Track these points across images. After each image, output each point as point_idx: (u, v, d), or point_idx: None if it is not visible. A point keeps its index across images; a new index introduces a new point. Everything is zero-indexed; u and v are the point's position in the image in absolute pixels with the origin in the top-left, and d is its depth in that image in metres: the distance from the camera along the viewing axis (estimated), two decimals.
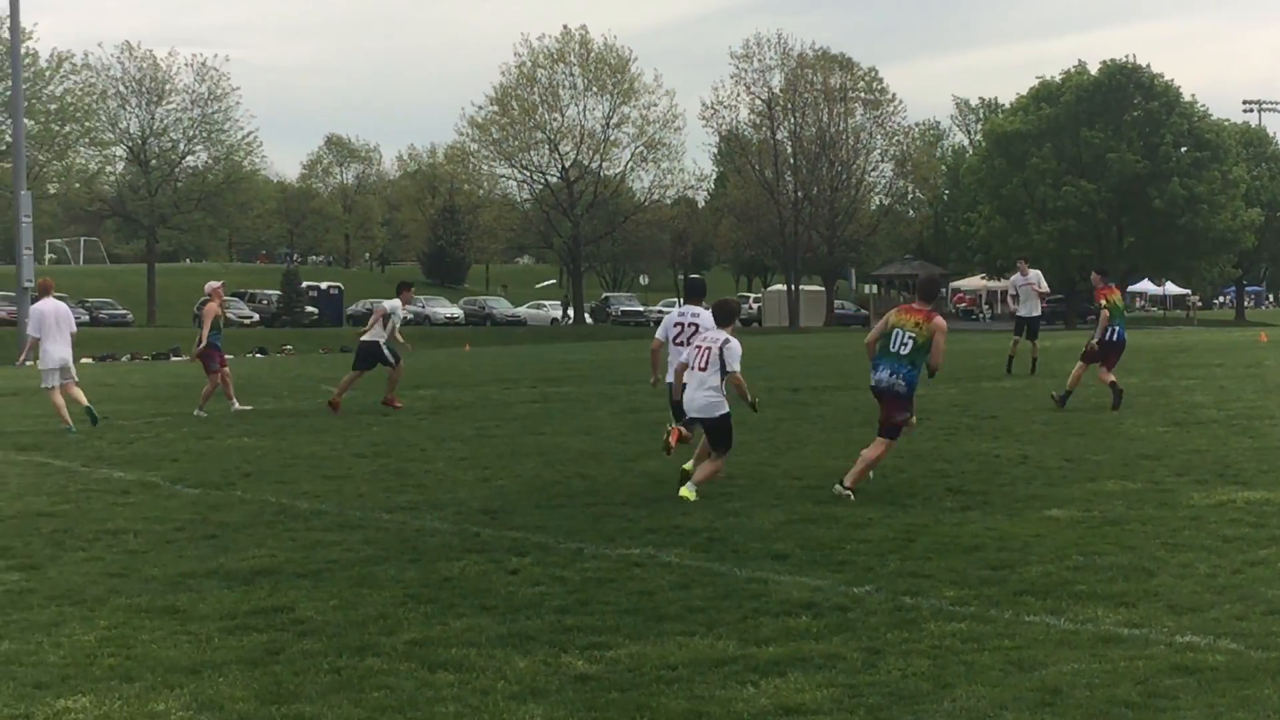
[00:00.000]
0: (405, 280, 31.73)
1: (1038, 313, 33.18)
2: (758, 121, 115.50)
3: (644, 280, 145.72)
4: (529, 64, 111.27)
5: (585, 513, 14.96)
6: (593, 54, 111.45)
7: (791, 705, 8.10)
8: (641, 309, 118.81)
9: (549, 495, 16.25)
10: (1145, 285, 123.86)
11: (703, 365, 15.77)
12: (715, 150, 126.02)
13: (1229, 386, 28.79)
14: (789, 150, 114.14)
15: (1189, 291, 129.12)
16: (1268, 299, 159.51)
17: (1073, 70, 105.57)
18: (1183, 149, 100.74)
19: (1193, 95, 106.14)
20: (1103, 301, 24.77)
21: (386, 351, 28.40)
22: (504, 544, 13.15)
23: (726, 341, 15.80)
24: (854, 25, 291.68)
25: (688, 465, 16.39)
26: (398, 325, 28.73)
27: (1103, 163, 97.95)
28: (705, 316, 17.13)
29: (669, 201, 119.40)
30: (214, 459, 20.52)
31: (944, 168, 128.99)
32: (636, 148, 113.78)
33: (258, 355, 73.48)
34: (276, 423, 26.28)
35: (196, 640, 9.77)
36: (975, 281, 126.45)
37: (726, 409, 15.83)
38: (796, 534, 13.35)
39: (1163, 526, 13.30)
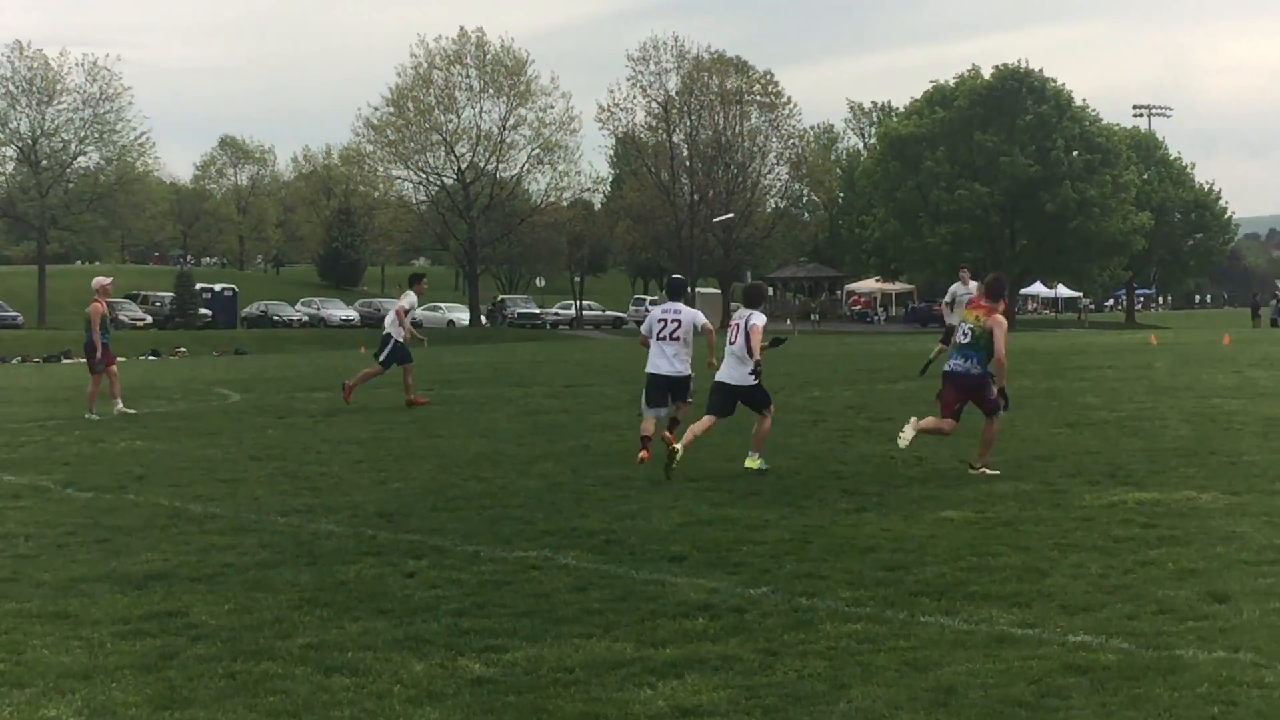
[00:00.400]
0: (416, 272, 31.81)
1: None
2: (654, 124, 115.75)
3: (540, 283, 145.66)
4: (425, 65, 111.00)
5: (482, 515, 14.92)
6: (489, 56, 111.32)
7: (688, 707, 8.11)
8: (537, 311, 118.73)
9: (445, 498, 16.18)
10: (1038, 288, 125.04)
11: (732, 340, 17.96)
12: (612, 153, 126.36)
13: (1120, 388, 29.12)
14: (685, 153, 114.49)
15: (1080, 294, 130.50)
16: (1157, 302, 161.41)
17: (966, 74, 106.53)
18: (1074, 153, 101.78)
19: (1084, 100, 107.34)
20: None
21: (390, 350, 28.86)
22: (400, 547, 13.09)
23: (750, 316, 17.91)
24: (750, 29, 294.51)
25: (677, 445, 17.36)
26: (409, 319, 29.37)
27: (996, 166, 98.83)
28: (685, 312, 18.93)
29: (565, 204, 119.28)
30: (106, 462, 20.30)
31: (839, 171, 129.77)
32: (533, 150, 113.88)
33: (150, 357, 72.86)
34: (169, 425, 26.05)
35: (89, 645, 9.65)
36: (870, 284, 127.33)
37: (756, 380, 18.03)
38: (693, 536, 13.36)
39: (1055, 527, 13.41)
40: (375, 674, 8.87)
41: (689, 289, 19.64)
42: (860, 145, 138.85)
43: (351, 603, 10.83)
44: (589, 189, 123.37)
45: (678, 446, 17.17)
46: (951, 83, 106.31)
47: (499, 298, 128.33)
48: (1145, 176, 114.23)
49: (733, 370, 18.08)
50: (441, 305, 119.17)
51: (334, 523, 14.58)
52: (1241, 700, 7.90)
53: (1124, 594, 10.53)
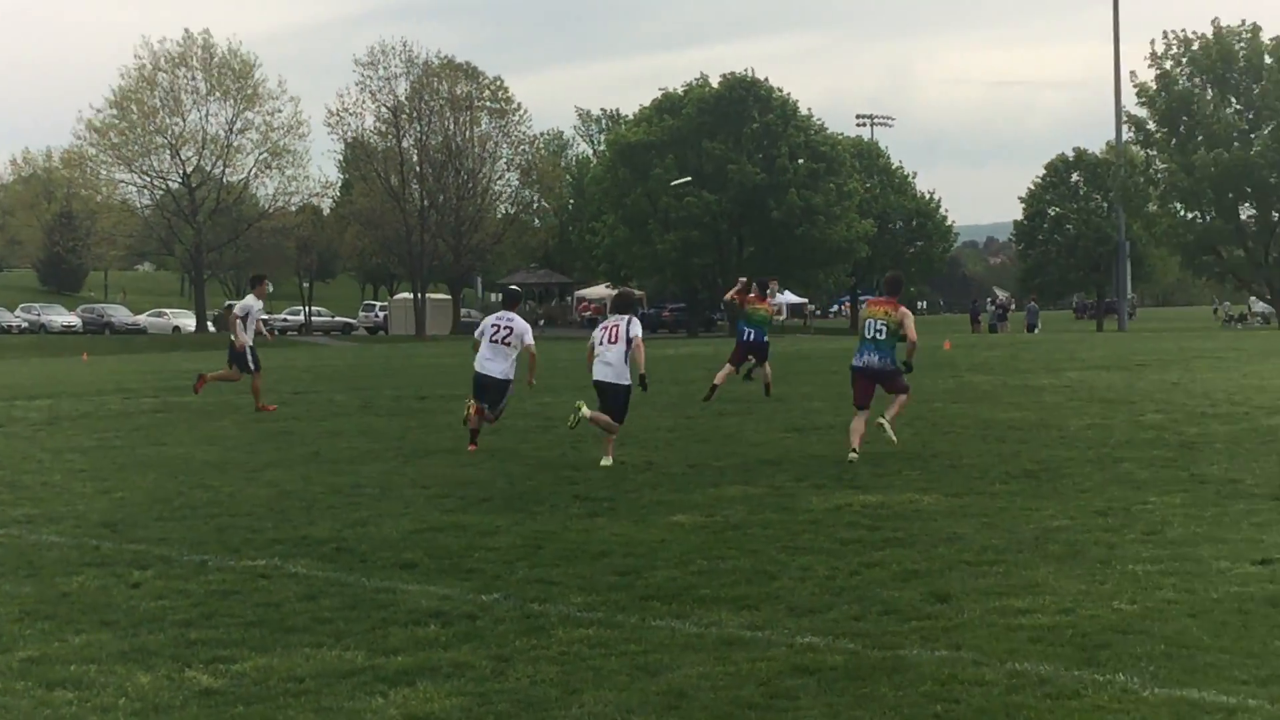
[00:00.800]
0: (256, 275, 31.24)
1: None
2: (384, 129, 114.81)
3: (269, 288, 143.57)
4: (149, 67, 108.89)
5: (209, 524, 14.66)
6: (216, 59, 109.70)
7: (420, 715, 8.07)
8: (266, 316, 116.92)
9: (172, 507, 15.87)
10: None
11: (613, 340, 19.00)
12: (341, 158, 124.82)
13: (845, 393, 29.58)
14: (415, 158, 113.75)
15: (806, 300, 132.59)
16: None
17: (694, 83, 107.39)
18: (800, 161, 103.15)
19: (809, 109, 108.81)
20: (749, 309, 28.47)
21: (250, 357, 28.52)
22: (125, 557, 12.81)
23: (630, 320, 19.19)
24: (480, 35, 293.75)
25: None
26: (260, 320, 29.69)
27: (724, 174, 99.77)
28: (519, 323, 20.97)
29: (294, 209, 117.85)
30: None
31: (569, 177, 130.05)
32: (260, 154, 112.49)
33: None
34: None
35: None
36: (600, 290, 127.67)
37: (629, 381, 19.13)
38: (425, 543, 13.30)
39: (783, 530, 13.60)
40: (100, 687, 8.67)
41: (523, 299, 22.16)
42: (590, 152, 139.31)
43: (74, 614, 10.58)
44: (318, 194, 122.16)
45: (585, 414, 18.93)
46: (680, 91, 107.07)
47: (227, 303, 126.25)
48: (868, 185, 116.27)
49: (606, 369, 19.13)
50: (167, 311, 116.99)
51: (56, 533, 14.23)
52: (963, 698, 8.09)
53: (850, 595, 10.72)
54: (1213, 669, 8.54)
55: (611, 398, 19.15)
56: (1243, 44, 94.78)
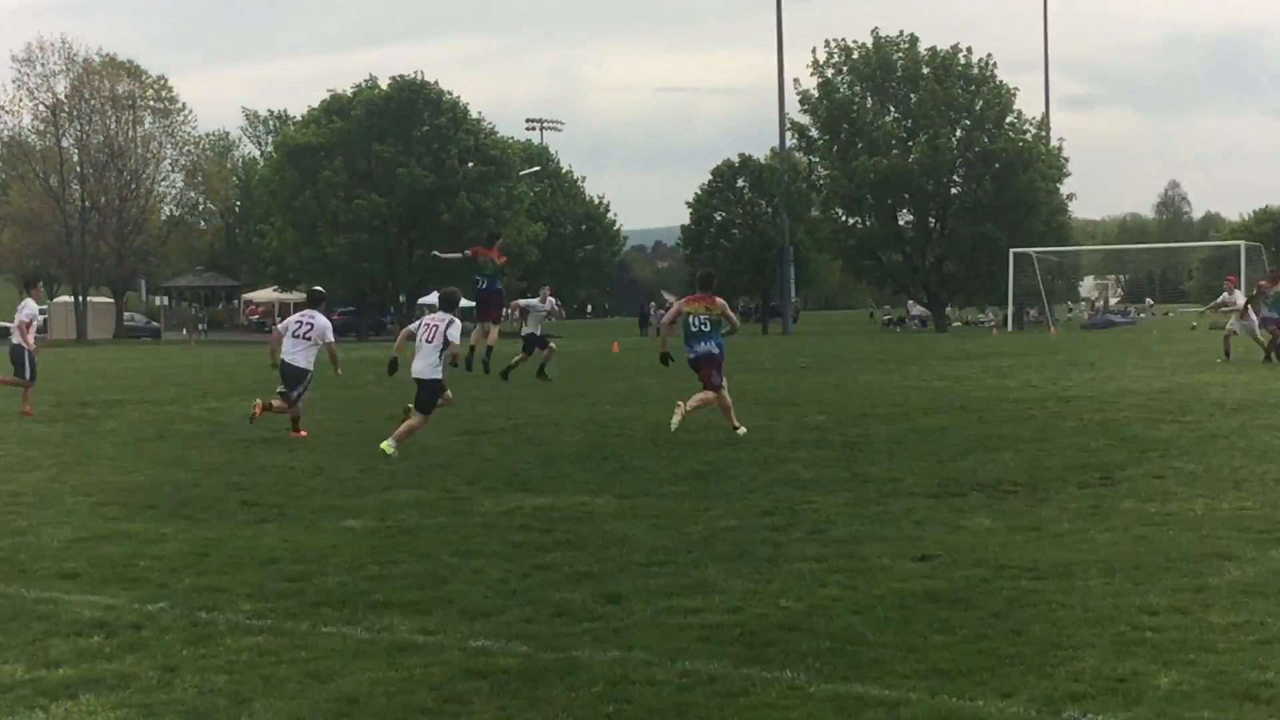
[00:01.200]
0: (30, 276, 30.02)
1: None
2: (42, 128, 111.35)
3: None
4: None
5: None
6: None
7: None
8: None
9: None
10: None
11: (429, 339, 20.05)
12: None
13: (516, 396, 29.70)
14: (76, 158, 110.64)
15: (476, 304, 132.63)
16: None
17: (364, 85, 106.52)
18: (470, 164, 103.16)
19: (479, 113, 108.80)
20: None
21: (29, 363, 27.99)
22: None
23: (451, 321, 20.09)
24: (144, 32, 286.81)
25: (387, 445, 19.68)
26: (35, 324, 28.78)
27: (393, 177, 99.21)
28: (319, 318, 23.21)
29: None
30: None
31: (235, 179, 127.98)
32: None
33: None
34: None
35: None
36: (268, 293, 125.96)
37: (440, 376, 20.11)
38: (87, 551, 12.92)
39: (455, 534, 13.56)
40: None
41: (324, 299, 23.40)
42: (257, 154, 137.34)
43: None
44: None
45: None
46: (349, 93, 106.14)
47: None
48: (538, 189, 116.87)
49: (421, 364, 20.24)
50: None
51: None
52: (635, 698, 8.15)
53: (522, 598, 10.72)
54: (876, 664, 8.74)
55: (428, 391, 20.28)
56: (901, 54, 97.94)
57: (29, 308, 28.73)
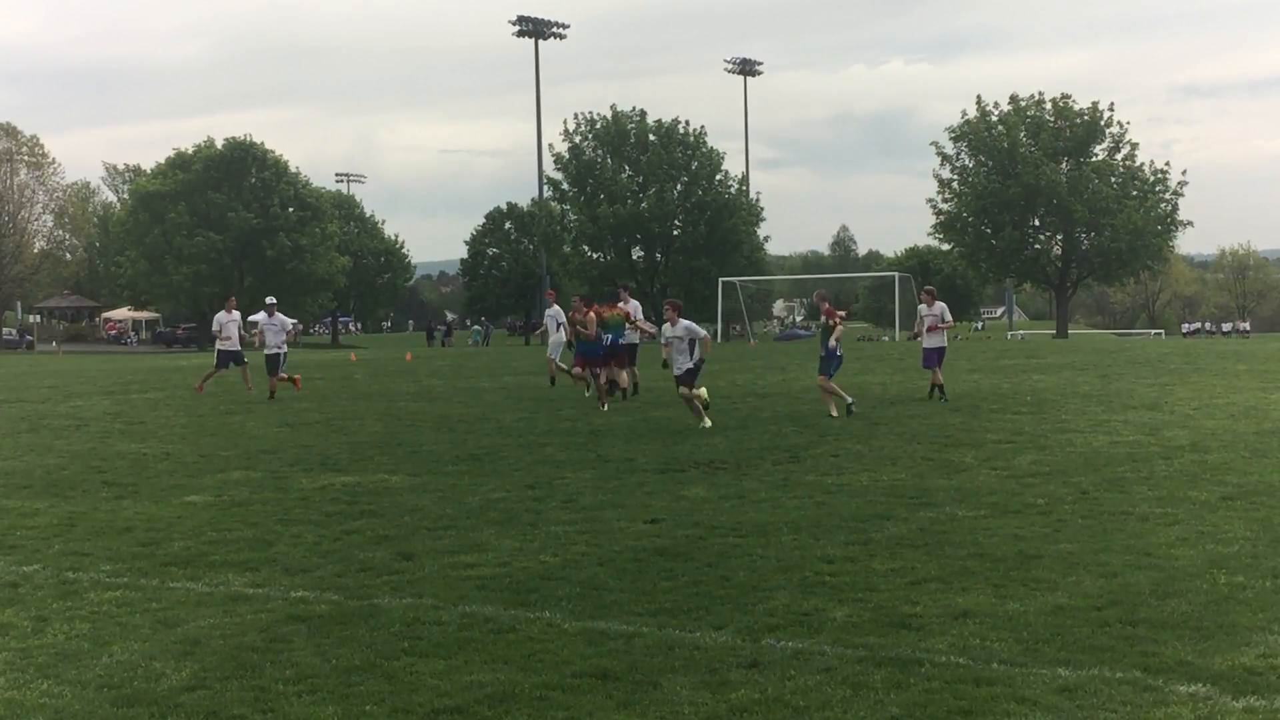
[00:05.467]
0: None
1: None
2: None
3: None
4: None
5: None
6: None
7: None
8: None
9: None
10: (260, 316, 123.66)
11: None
12: None
13: (328, 394, 29.29)
14: None
15: (295, 321, 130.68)
16: (357, 326, 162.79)
17: (203, 144, 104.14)
18: (290, 210, 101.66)
19: (298, 167, 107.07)
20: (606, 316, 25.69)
21: None
22: None
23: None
24: (19, 100, 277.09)
25: None
26: None
27: (226, 219, 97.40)
28: (279, 317, 28.75)
29: None
30: None
31: (96, 220, 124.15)
32: None
33: None
34: None
35: None
36: (124, 312, 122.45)
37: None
38: None
39: (279, 506, 13.35)
40: None
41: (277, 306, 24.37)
42: (115, 199, 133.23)
43: None
44: None
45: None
46: (191, 150, 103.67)
47: None
48: (346, 229, 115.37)
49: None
50: None
51: None
52: (425, 635, 8.10)
53: (334, 557, 10.60)
54: (616, 605, 8.80)
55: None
56: (634, 125, 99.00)
57: None
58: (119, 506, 13.55)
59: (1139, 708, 6.50)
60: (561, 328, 29.73)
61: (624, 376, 25.91)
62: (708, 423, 20.14)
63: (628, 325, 25.91)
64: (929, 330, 25.08)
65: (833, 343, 21.97)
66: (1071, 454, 16.31)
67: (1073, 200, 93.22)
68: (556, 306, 31.12)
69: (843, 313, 23.67)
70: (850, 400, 21.72)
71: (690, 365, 20.43)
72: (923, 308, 25.47)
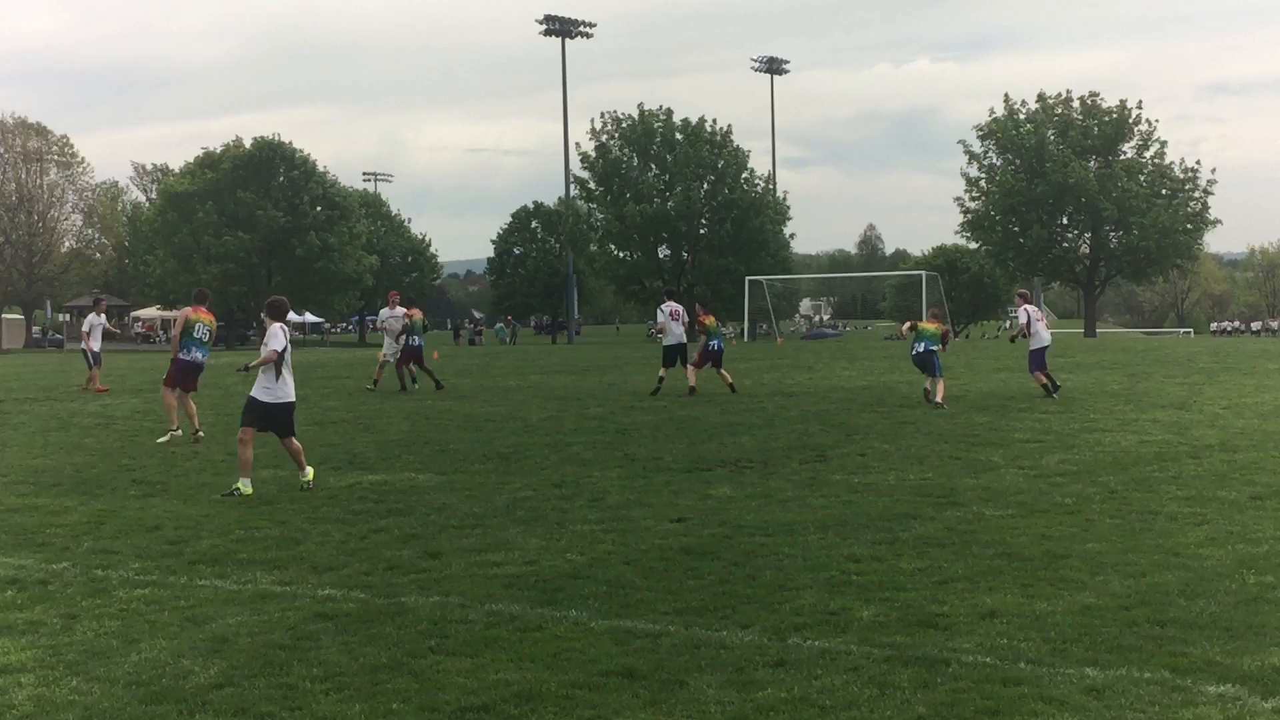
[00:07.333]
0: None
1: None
2: None
3: None
4: None
5: None
6: None
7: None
8: None
9: None
10: (290, 315, 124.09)
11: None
12: None
13: (355, 394, 29.35)
14: None
15: (323, 320, 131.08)
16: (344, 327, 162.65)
17: (231, 144, 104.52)
18: (318, 209, 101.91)
19: (325, 166, 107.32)
20: (706, 323, 27.31)
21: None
22: None
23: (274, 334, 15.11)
24: (50, 101, 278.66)
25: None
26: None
27: (254, 218, 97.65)
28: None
29: None
30: None
31: (125, 219, 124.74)
32: None
33: None
34: None
35: None
36: (153, 311, 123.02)
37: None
38: (2, 522, 12.52)
39: (307, 504, 13.39)
40: None
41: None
42: (144, 199, 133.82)
43: None
44: None
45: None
46: (219, 150, 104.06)
47: None
48: (373, 228, 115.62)
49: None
50: None
51: None
52: (452, 633, 8.11)
53: (361, 555, 10.62)
54: (643, 604, 8.79)
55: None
56: (660, 124, 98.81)
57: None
58: (147, 504, 13.60)
59: (1167, 708, 6.47)
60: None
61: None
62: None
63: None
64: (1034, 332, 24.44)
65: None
66: (1100, 453, 16.25)
67: (1101, 199, 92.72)
68: (401, 309, 30.76)
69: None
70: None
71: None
72: (1030, 309, 24.78)
